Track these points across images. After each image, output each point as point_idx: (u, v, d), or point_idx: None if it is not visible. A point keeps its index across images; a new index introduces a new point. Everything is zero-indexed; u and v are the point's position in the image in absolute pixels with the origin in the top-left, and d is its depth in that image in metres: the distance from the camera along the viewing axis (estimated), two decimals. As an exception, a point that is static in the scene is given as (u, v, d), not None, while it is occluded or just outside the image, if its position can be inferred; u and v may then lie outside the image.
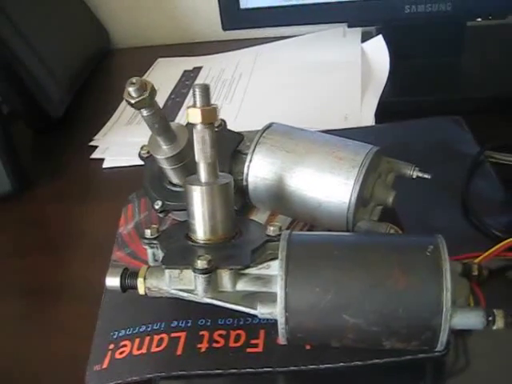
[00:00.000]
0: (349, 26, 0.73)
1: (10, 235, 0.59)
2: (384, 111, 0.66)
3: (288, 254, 0.35)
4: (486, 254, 0.42)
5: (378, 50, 0.74)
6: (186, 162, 0.45)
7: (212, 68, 0.83)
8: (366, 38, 0.79)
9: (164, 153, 0.44)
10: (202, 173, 0.40)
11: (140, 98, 0.39)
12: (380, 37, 0.74)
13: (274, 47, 0.85)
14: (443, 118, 0.62)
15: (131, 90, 0.39)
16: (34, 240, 0.58)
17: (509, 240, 0.43)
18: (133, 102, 0.39)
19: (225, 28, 0.74)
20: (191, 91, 0.39)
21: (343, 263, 0.35)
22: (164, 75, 0.83)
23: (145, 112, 0.41)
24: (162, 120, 0.42)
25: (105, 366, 0.40)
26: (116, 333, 0.43)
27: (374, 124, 0.65)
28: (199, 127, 0.38)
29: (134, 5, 0.95)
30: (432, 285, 0.34)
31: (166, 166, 0.45)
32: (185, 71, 0.83)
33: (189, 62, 0.86)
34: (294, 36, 0.86)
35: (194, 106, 0.38)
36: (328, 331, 0.35)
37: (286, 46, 0.84)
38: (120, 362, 0.40)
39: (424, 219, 0.50)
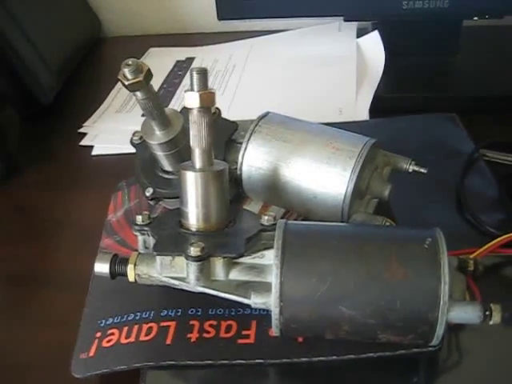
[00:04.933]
0: (345, 20, 0.73)
1: (-5, 221, 0.58)
2: (378, 106, 0.65)
3: (284, 243, 0.35)
4: (481, 250, 0.42)
5: (373, 46, 0.73)
6: (179, 149, 0.44)
7: (205, 59, 0.82)
8: (361, 34, 0.79)
9: (158, 138, 0.43)
10: (197, 159, 0.39)
11: (135, 80, 0.38)
12: (376, 32, 0.74)
13: (268, 40, 0.84)
14: (438, 115, 0.61)
15: (126, 71, 0.38)
16: (21, 227, 0.56)
17: (504, 237, 0.43)
18: (127, 83, 0.38)
19: (220, 18, 0.73)
20: (189, 75, 0.38)
21: (340, 254, 0.34)
22: (156, 65, 0.81)
23: (140, 95, 0.40)
24: (156, 104, 0.41)
25: (91, 354, 0.39)
26: (103, 321, 0.41)
27: (368, 119, 0.64)
28: (196, 112, 0.38)
29: (126, -7, 0.94)
30: (430, 278, 0.33)
31: (159, 152, 0.44)
32: (177, 61, 0.83)
33: (181, 53, 0.85)
34: (289, 30, 0.85)
35: (192, 89, 0.37)
36: (323, 323, 0.34)
37: (280, 39, 0.84)
38: (107, 350, 0.39)
39: (418, 215, 0.49)
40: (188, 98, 0.37)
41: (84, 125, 0.70)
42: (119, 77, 0.38)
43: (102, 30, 0.96)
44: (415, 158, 0.46)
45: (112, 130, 0.68)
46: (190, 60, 0.82)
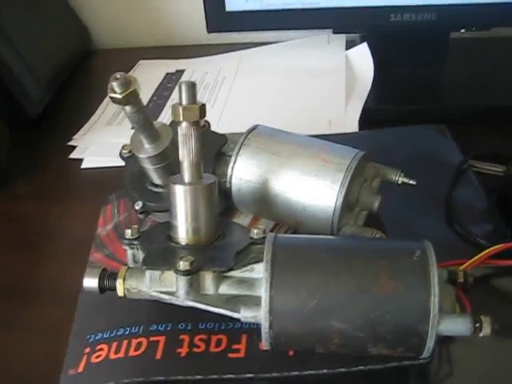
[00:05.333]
0: (334, 32, 0.73)
1: (-16, 234, 0.57)
2: (368, 118, 0.66)
3: (273, 257, 0.35)
4: (471, 261, 0.42)
5: (362, 58, 0.74)
6: (168, 162, 0.44)
7: (195, 71, 0.82)
8: (350, 46, 0.79)
9: (147, 152, 0.43)
10: (186, 172, 0.39)
11: (124, 94, 0.38)
12: (365, 44, 0.74)
13: (258, 52, 0.84)
14: (427, 126, 0.62)
15: (115, 84, 0.38)
16: (9, 240, 0.56)
17: (493, 248, 0.43)
18: (116, 97, 0.38)
19: (209, 30, 0.73)
20: (177, 89, 0.38)
21: (330, 267, 0.34)
22: (146, 77, 0.82)
23: (128, 109, 0.40)
24: (145, 118, 0.41)
25: (80, 370, 0.39)
26: (92, 336, 0.41)
27: (357, 130, 0.64)
28: (185, 125, 0.38)
29: (116, 6, 0.94)
30: (419, 290, 0.33)
31: (149, 166, 0.44)
32: (167, 74, 0.83)
33: (171, 65, 0.85)
34: (279, 42, 0.86)
35: (180, 103, 0.37)
36: (313, 336, 0.34)
37: (270, 52, 0.84)
38: (96, 366, 0.39)
39: (408, 227, 0.50)
40: (177, 111, 0.37)
41: (74, 137, 0.69)
42: (108, 91, 0.38)
43: (91, 43, 0.95)
44: (404, 170, 0.46)
45: (102, 142, 0.68)
46: (180, 72, 0.82)
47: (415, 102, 0.69)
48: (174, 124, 0.39)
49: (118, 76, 0.38)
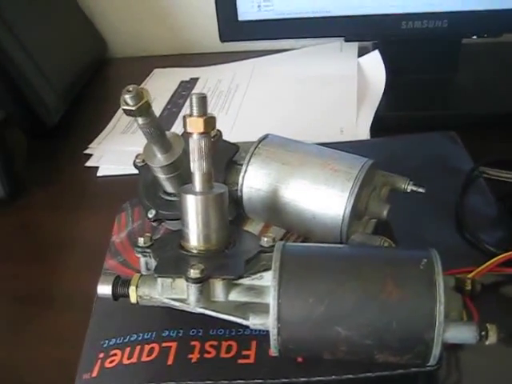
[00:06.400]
0: (346, 41, 0.74)
1: (1, 242, 0.58)
2: (379, 125, 0.66)
3: (281, 265, 0.35)
4: (480, 268, 0.42)
5: (374, 65, 0.74)
6: (180, 172, 0.45)
7: (209, 79, 0.83)
8: (362, 53, 0.80)
9: (159, 162, 0.44)
10: (197, 182, 0.39)
11: (136, 106, 0.39)
12: (376, 52, 0.75)
13: (271, 60, 0.85)
14: (438, 133, 0.62)
15: (127, 97, 0.39)
16: (26, 247, 0.57)
17: (502, 255, 0.43)
18: (128, 109, 0.39)
19: (222, 39, 0.74)
20: (189, 100, 0.39)
21: (337, 275, 0.35)
22: (160, 85, 0.83)
23: (141, 120, 0.41)
24: (157, 129, 0.42)
25: (94, 374, 0.40)
26: (106, 341, 0.42)
27: (369, 138, 0.65)
28: (195, 136, 0.38)
29: (132, 15, 0.95)
30: (425, 298, 0.34)
31: (161, 175, 0.45)
32: (181, 82, 0.84)
33: (185, 73, 0.86)
34: (291, 50, 0.86)
35: (191, 115, 0.38)
36: (320, 343, 0.35)
37: (283, 59, 0.85)
38: (110, 371, 0.40)
39: (417, 234, 0.50)
40: (187, 123, 0.38)
41: (89, 146, 0.71)
42: (120, 103, 0.39)
43: (107, 51, 0.97)
44: (415, 177, 0.46)
45: (117, 151, 0.69)
46: (194, 80, 0.84)
47: (427, 109, 0.69)
48: (186, 134, 0.40)
49: (131, 88, 0.39)
